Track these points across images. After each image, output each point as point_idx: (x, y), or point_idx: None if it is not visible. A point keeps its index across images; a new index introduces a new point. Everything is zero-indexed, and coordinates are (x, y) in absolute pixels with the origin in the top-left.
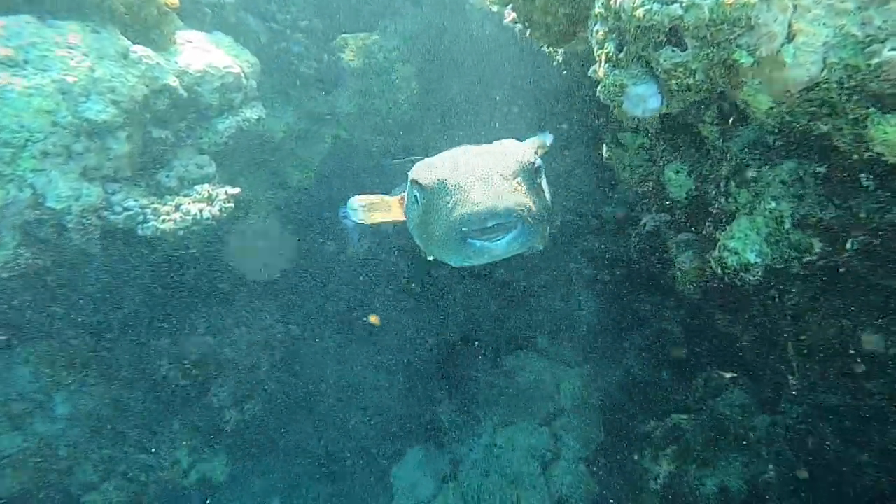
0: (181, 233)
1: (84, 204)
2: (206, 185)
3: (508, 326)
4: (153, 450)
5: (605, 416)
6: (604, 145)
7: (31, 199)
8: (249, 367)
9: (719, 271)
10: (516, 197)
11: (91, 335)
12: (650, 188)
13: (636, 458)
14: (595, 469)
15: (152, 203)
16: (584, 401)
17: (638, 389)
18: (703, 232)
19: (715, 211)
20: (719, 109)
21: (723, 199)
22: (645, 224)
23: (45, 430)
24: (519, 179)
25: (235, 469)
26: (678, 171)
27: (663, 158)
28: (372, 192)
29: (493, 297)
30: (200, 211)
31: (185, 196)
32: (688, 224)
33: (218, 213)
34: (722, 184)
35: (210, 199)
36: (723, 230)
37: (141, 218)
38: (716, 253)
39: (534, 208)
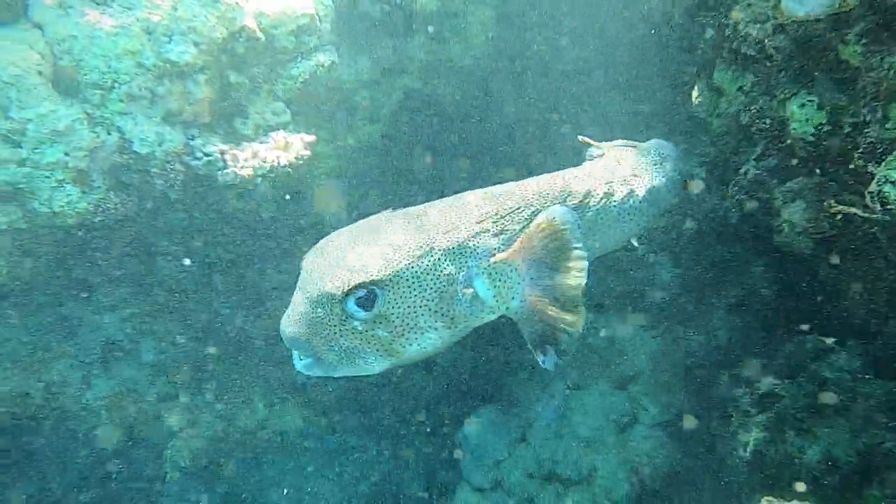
0: (259, 180)
1: (167, 149)
2: (281, 132)
3: None
4: (230, 401)
5: (687, 381)
6: (694, 92)
7: (118, 143)
8: None
9: (878, 207)
10: (299, 327)
11: (170, 284)
12: (761, 129)
13: (721, 424)
14: (675, 435)
15: (231, 149)
16: (663, 364)
17: (722, 352)
18: (830, 172)
19: (868, 141)
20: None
21: (877, 127)
22: (746, 172)
23: (133, 375)
24: (322, 309)
25: (308, 426)
26: (804, 105)
27: (784, 92)
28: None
29: None
30: (277, 158)
31: (262, 143)
32: (811, 165)
33: (294, 160)
34: (877, 110)
35: (286, 147)
36: (879, 161)
37: (220, 164)
38: (873, 187)
39: (321, 343)
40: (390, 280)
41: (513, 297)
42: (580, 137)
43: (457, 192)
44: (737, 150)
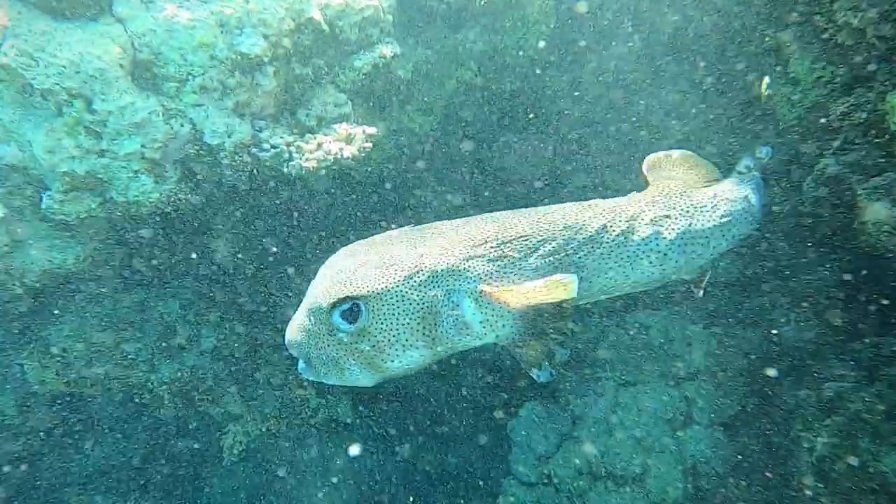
0: (322, 172)
1: (236, 140)
2: (343, 125)
3: None
4: (285, 388)
5: (746, 382)
6: (762, 83)
7: (190, 134)
8: None
9: None
10: (295, 334)
11: (232, 274)
12: (852, 122)
13: (784, 428)
14: (733, 437)
15: (295, 141)
16: (721, 363)
17: (785, 353)
18: None
19: None
20: None
21: None
22: (824, 168)
23: (194, 362)
24: (314, 318)
25: (359, 413)
26: None
27: (885, 84)
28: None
29: None
30: (340, 150)
31: (325, 135)
32: None
33: (357, 152)
34: None
35: (348, 140)
36: None
37: (286, 156)
38: None
39: (313, 351)
40: (374, 296)
41: (502, 326)
42: (646, 162)
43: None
44: (808, 142)
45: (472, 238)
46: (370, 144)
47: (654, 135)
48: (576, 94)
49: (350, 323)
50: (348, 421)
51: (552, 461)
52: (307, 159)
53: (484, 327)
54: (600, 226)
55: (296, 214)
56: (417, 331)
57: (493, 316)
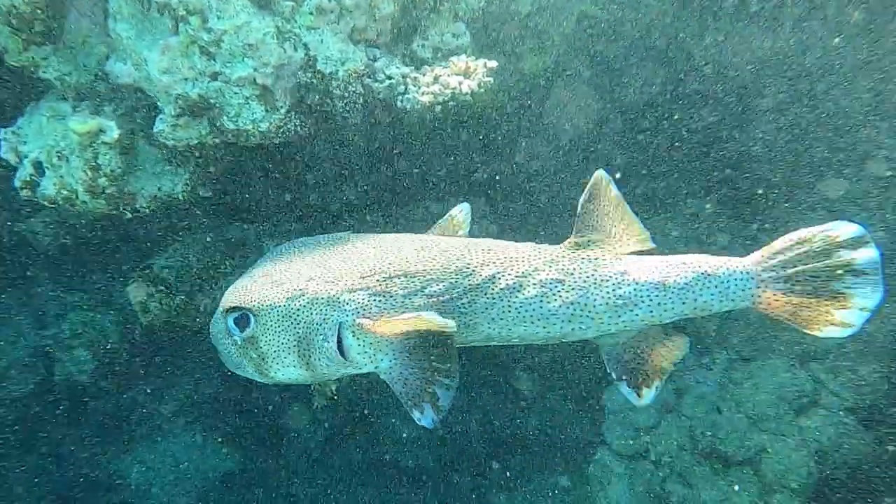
0: (438, 108)
1: (349, 68)
2: (462, 57)
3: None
4: None
5: (884, 362)
6: None
7: (303, 60)
8: None
9: None
10: (213, 327)
11: (335, 214)
12: None
13: None
14: (868, 423)
15: (411, 72)
16: (856, 341)
17: None
18: None
19: None
20: None
21: None
22: None
23: None
24: (219, 318)
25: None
26: None
27: None
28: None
29: None
30: (459, 84)
31: (442, 68)
32: None
33: (476, 88)
34: None
35: (467, 73)
36: None
37: (402, 88)
38: None
39: (219, 343)
40: (260, 310)
41: (381, 359)
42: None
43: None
44: None
45: (363, 268)
46: (491, 79)
47: None
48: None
49: (241, 330)
50: None
51: (651, 434)
52: (423, 92)
53: (362, 358)
54: (490, 275)
55: (404, 154)
56: (293, 352)
57: (371, 349)
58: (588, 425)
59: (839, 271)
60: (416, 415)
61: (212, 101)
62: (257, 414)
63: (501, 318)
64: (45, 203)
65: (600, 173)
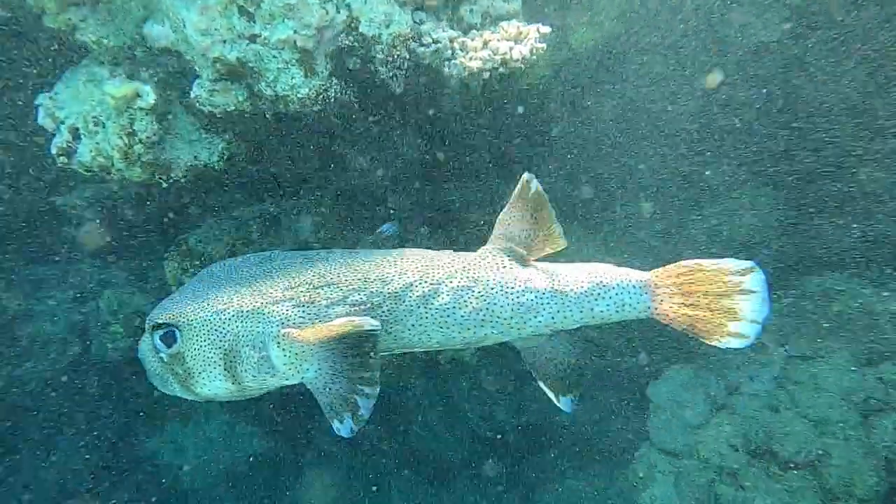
0: (486, 75)
1: (394, 31)
2: (513, 22)
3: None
4: None
5: None
6: None
7: (345, 22)
8: None
9: None
10: (141, 345)
11: (373, 192)
12: None
13: None
14: None
15: (459, 37)
16: None
17: None
18: None
19: None
20: None
21: None
22: None
23: None
24: (147, 336)
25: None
26: None
27: None
28: None
29: None
30: (510, 50)
31: (491, 32)
32: None
33: (528, 54)
34: None
35: (518, 38)
36: None
37: (448, 54)
38: None
39: (146, 361)
40: (186, 325)
41: (307, 369)
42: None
43: None
44: None
45: (287, 281)
46: (543, 46)
47: None
48: None
49: (167, 346)
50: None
51: (700, 431)
52: (471, 58)
53: (289, 369)
54: (407, 283)
55: (448, 125)
56: (220, 366)
57: (297, 359)
58: (631, 419)
59: (729, 290)
60: (335, 424)
61: (250, 64)
62: (289, 397)
63: (419, 325)
64: (81, 171)
65: (526, 176)
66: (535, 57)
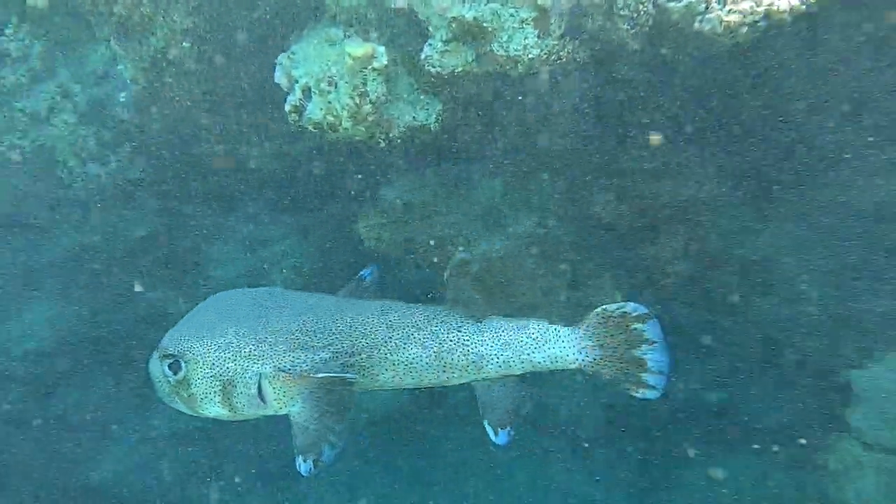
0: (744, 30)
1: None
2: None
3: None
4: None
5: None
6: None
7: None
8: None
9: None
10: (151, 365)
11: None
12: None
13: None
14: None
15: None
16: None
17: None
18: None
19: None
20: None
21: None
22: None
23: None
24: (156, 360)
25: None
26: None
27: None
28: None
29: None
30: (771, 4)
31: None
32: None
33: (798, 4)
34: None
35: None
36: None
37: (702, 7)
38: None
39: (156, 380)
40: (192, 359)
41: (293, 405)
42: None
43: None
44: None
45: (282, 326)
46: None
47: None
48: None
49: (174, 373)
50: None
51: None
52: (730, 11)
53: (278, 404)
54: (383, 335)
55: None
56: (218, 395)
57: (285, 396)
58: (823, 405)
59: (636, 340)
60: (298, 460)
61: (485, 24)
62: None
63: (391, 370)
64: (310, 128)
65: (459, 257)
66: (804, 6)
